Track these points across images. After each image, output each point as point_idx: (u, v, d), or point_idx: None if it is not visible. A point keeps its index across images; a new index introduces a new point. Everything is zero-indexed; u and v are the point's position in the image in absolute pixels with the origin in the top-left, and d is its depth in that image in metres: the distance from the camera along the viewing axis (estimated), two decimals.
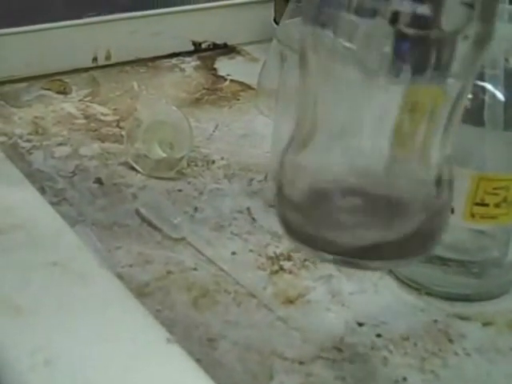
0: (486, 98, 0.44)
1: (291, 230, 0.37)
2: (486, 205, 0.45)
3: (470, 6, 0.34)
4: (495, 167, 0.45)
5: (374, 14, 0.32)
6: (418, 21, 0.32)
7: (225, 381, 0.41)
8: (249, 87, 0.77)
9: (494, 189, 0.45)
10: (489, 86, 0.44)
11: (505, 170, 0.45)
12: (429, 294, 0.49)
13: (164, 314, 0.46)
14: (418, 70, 0.33)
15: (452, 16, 0.33)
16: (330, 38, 0.33)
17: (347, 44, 0.33)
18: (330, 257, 0.36)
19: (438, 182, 0.36)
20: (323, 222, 0.36)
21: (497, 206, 0.45)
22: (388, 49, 0.33)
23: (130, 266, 0.50)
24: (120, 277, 0.48)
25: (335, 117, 0.36)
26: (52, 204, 0.54)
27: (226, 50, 0.87)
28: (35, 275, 0.38)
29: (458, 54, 0.34)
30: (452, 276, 0.49)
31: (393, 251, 0.36)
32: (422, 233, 0.36)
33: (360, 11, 0.32)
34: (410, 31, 0.32)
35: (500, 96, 0.44)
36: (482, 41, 0.35)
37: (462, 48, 0.34)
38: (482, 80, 0.44)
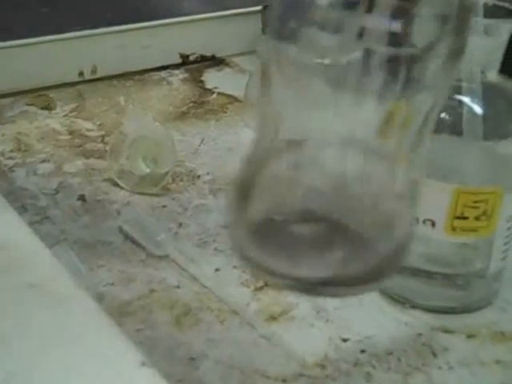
0: (464, 111, 0.44)
1: (246, 256, 0.37)
2: (466, 218, 0.45)
3: (443, 20, 0.33)
4: (474, 181, 0.44)
5: (339, 29, 0.31)
6: (388, 37, 0.32)
7: None
8: (236, 100, 0.77)
9: (474, 202, 0.44)
10: (466, 100, 0.44)
11: (484, 183, 0.45)
12: (413, 307, 0.48)
13: (145, 333, 0.45)
14: (388, 85, 0.33)
15: (423, 31, 0.33)
16: (293, 52, 0.32)
17: (312, 58, 0.32)
18: (288, 283, 0.35)
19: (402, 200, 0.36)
20: (281, 251, 0.36)
21: (477, 218, 0.45)
22: (356, 64, 0.32)
23: (112, 284, 0.49)
24: (101, 296, 0.48)
25: (297, 133, 0.35)
26: (34, 223, 0.54)
27: (214, 61, 0.87)
28: (10, 298, 0.38)
29: (429, 69, 0.34)
30: (436, 289, 0.48)
31: (355, 278, 0.36)
32: (386, 258, 0.36)
33: (325, 26, 0.32)
34: (380, 48, 0.32)
35: (478, 109, 0.44)
36: (455, 55, 0.34)
37: (434, 63, 0.34)
38: (460, 93, 0.44)
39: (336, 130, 0.34)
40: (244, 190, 0.37)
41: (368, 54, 0.32)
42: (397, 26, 0.32)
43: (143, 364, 0.35)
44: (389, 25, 0.32)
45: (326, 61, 0.32)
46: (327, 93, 0.34)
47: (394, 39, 0.32)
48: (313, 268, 0.35)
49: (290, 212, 0.36)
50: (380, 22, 0.32)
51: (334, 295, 0.38)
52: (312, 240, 0.36)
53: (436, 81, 0.34)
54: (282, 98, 0.34)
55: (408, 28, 0.32)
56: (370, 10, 0.31)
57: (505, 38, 0.44)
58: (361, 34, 0.32)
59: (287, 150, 0.36)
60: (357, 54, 0.32)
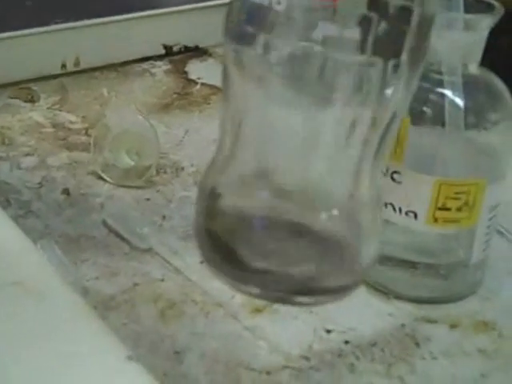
0: (446, 104, 0.44)
1: (213, 261, 0.37)
2: (448, 209, 0.45)
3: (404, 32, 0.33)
4: (457, 172, 0.45)
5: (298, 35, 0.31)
6: (348, 44, 0.32)
7: None
8: (220, 90, 0.76)
9: (456, 193, 0.45)
10: (448, 93, 0.44)
11: (466, 174, 0.45)
12: (397, 298, 0.49)
13: (130, 327, 0.45)
14: (348, 92, 0.33)
15: (384, 40, 0.33)
16: (253, 56, 0.32)
17: (271, 62, 0.32)
18: (256, 291, 0.35)
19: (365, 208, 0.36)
20: (248, 255, 0.36)
21: (459, 209, 0.45)
22: (316, 72, 0.32)
23: (97, 278, 0.49)
24: (86, 290, 0.48)
25: (258, 135, 0.35)
26: (18, 217, 0.54)
27: (198, 52, 0.87)
28: None
29: (389, 79, 0.34)
30: (420, 279, 0.49)
31: (323, 287, 0.36)
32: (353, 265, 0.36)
33: (284, 33, 0.32)
34: (340, 55, 0.32)
35: (459, 101, 0.44)
36: (416, 62, 0.34)
37: (394, 72, 0.34)
38: (441, 87, 0.44)
39: (298, 130, 0.35)
40: (209, 194, 0.37)
41: (327, 60, 0.32)
42: (355, 34, 0.32)
43: (129, 358, 0.35)
44: (348, 32, 0.32)
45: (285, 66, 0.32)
46: (289, 93, 0.34)
47: (354, 46, 0.32)
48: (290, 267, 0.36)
49: (258, 212, 0.36)
50: (339, 30, 0.32)
51: (300, 304, 0.39)
52: (282, 247, 0.36)
53: (396, 91, 0.34)
54: (242, 98, 0.34)
55: (369, 36, 0.32)
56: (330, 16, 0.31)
57: (485, 32, 0.45)
58: (322, 43, 0.32)
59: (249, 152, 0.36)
60: (316, 60, 0.32)
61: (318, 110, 0.34)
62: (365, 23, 0.31)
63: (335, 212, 0.37)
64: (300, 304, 0.39)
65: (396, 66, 0.33)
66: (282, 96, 0.34)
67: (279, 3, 0.32)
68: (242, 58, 0.33)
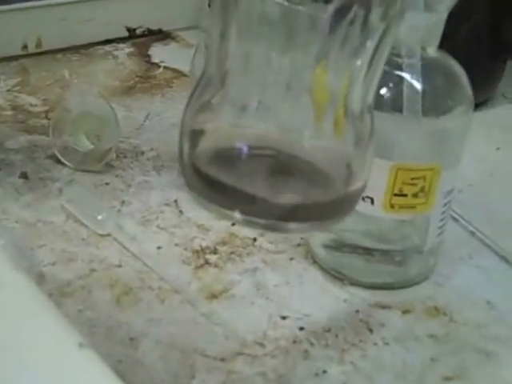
0: (404, 87, 0.44)
1: (198, 187, 0.36)
2: (405, 195, 0.45)
3: None
4: (414, 157, 0.45)
5: None
6: None
7: (146, 382, 0.41)
8: (182, 74, 0.77)
9: (412, 179, 0.45)
10: (406, 76, 0.45)
11: (422, 160, 0.45)
12: (352, 284, 0.49)
13: (86, 314, 0.45)
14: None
15: None
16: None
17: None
18: (239, 218, 0.35)
19: (358, 142, 0.36)
20: (236, 181, 0.35)
21: (415, 195, 0.46)
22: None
23: (53, 264, 0.49)
24: (42, 276, 0.48)
25: (244, 73, 0.35)
26: None
27: (161, 35, 0.86)
28: None
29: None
30: (375, 265, 0.49)
31: (311, 214, 0.36)
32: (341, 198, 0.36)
33: None
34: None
35: (417, 85, 0.44)
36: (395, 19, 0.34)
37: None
38: (400, 70, 0.44)
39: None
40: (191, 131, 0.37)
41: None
42: None
43: (81, 345, 0.35)
44: None
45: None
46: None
47: None
48: (271, 197, 0.35)
49: (243, 143, 0.36)
50: None
51: (288, 230, 0.38)
52: (269, 170, 0.36)
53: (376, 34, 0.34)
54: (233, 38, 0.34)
55: None
56: None
57: (444, 14, 0.45)
58: None
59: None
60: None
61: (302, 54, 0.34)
62: None
63: (321, 143, 0.37)
64: (288, 231, 0.38)
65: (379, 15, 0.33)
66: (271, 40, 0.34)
67: None
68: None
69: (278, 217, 0.35)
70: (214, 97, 0.36)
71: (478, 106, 0.71)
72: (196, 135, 0.38)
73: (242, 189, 0.35)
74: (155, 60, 0.80)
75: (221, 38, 0.35)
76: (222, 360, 0.43)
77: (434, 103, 0.46)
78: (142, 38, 0.85)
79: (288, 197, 0.35)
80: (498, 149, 0.68)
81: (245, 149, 0.36)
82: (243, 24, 0.34)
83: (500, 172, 0.64)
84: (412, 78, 0.45)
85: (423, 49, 0.45)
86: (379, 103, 0.44)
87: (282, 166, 0.36)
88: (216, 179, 0.36)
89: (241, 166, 0.36)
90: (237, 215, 0.35)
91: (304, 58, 0.34)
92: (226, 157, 0.37)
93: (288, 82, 0.35)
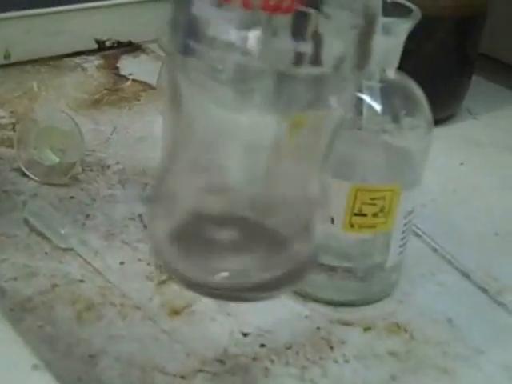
0: (364, 109, 0.45)
1: (165, 263, 0.37)
2: (365, 215, 0.46)
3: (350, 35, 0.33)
4: (372, 178, 0.45)
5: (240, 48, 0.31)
6: (298, 58, 0.32)
7: None
8: (150, 87, 0.77)
9: (372, 199, 0.45)
10: (366, 97, 0.45)
11: (381, 180, 0.46)
12: (315, 300, 0.49)
13: (46, 330, 0.45)
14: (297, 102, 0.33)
15: (330, 51, 0.33)
16: (198, 66, 0.32)
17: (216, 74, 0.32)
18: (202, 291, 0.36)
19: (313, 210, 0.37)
20: (195, 259, 0.36)
21: (375, 215, 0.46)
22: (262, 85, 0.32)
23: (15, 279, 0.49)
24: (3, 291, 0.47)
25: (207, 138, 0.35)
26: None
27: (131, 47, 0.87)
28: None
29: (337, 84, 0.34)
30: (337, 282, 0.49)
31: (267, 284, 0.36)
32: (299, 263, 0.37)
33: (227, 47, 0.32)
34: (291, 69, 0.32)
35: (377, 107, 0.45)
36: (362, 64, 0.35)
37: (342, 77, 0.34)
38: (359, 91, 0.45)
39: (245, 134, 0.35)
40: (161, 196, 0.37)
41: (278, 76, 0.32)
42: (307, 47, 0.32)
43: (35, 367, 0.35)
44: (300, 46, 0.32)
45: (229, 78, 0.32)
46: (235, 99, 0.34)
47: (301, 58, 0.32)
48: (231, 274, 0.36)
49: (206, 215, 0.37)
50: (290, 44, 0.32)
51: (251, 299, 0.39)
52: (230, 244, 0.36)
53: (343, 92, 0.35)
54: (191, 106, 0.34)
55: (318, 48, 0.32)
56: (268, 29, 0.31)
57: (403, 38, 0.45)
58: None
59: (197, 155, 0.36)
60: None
61: (265, 115, 0.34)
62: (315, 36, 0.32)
63: (284, 211, 0.37)
64: (246, 300, 0.39)
65: (345, 73, 0.34)
66: (229, 101, 0.34)
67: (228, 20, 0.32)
68: (188, 69, 0.33)
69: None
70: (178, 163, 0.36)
71: (442, 121, 0.72)
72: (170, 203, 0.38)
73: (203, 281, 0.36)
74: (124, 72, 0.80)
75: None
76: (182, 377, 0.43)
77: (394, 124, 0.46)
78: (112, 50, 0.85)
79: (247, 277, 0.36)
80: (461, 164, 0.69)
81: (206, 225, 0.37)
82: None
83: (463, 187, 0.65)
84: (371, 99, 0.45)
85: (382, 70, 0.45)
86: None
87: (243, 238, 0.37)
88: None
89: (201, 243, 0.37)
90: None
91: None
92: (188, 230, 0.37)
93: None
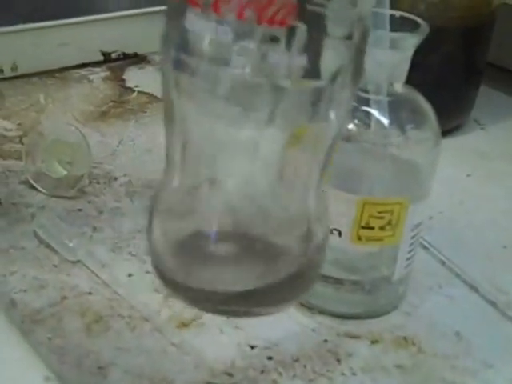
0: (372, 123, 0.45)
1: (165, 279, 0.38)
2: (372, 228, 0.46)
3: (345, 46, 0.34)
4: (380, 192, 0.46)
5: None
6: (293, 71, 0.32)
7: None
8: (156, 99, 0.77)
9: (379, 212, 0.46)
10: (373, 111, 0.45)
11: (389, 194, 0.46)
12: (322, 313, 0.49)
13: (55, 342, 0.45)
14: (294, 115, 0.34)
15: (326, 64, 0.33)
16: (191, 80, 0.33)
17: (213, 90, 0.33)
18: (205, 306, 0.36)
19: (312, 221, 0.37)
20: (195, 271, 0.36)
21: (382, 228, 0.46)
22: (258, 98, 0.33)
23: (25, 291, 0.49)
24: (13, 303, 0.48)
25: (204, 152, 0.36)
26: None
27: (136, 59, 0.87)
28: None
29: (334, 96, 0.34)
30: (344, 295, 0.49)
31: (270, 296, 0.37)
32: (299, 274, 0.37)
33: (221, 61, 0.32)
34: (286, 83, 0.32)
35: (384, 121, 0.45)
36: (357, 78, 0.35)
37: (338, 90, 0.34)
38: (367, 105, 0.45)
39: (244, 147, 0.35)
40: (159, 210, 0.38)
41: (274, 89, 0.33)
42: (303, 61, 0.32)
43: (47, 379, 0.35)
44: (296, 60, 0.32)
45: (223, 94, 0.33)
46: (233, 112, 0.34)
47: (296, 72, 0.32)
48: (231, 283, 0.36)
49: (205, 230, 0.37)
50: (287, 58, 0.32)
51: (251, 314, 0.39)
52: (229, 257, 0.37)
53: (340, 105, 0.35)
54: (186, 121, 0.35)
55: (315, 62, 0.33)
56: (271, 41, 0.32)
57: (410, 51, 0.46)
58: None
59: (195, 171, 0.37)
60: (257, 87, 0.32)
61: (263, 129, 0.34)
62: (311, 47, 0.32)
63: (284, 225, 0.38)
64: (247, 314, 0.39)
65: (341, 85, 0.34)
66: (225, 115, 0.34)
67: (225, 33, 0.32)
68: (181, 83, 0.34)
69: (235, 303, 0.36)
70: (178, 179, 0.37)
71: (450, 132, 0.72)
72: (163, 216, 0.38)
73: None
74: (130, 84, 0.81)
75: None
76: None
77: (401, 138, 0.46)
78: (118, 62, 0.86)
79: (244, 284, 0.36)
80: (468, 175, 0.69)
81: (204, 238, 0.37)
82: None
83: (470, 199, 0.65)
84: (379, 113, 0.45)
85: (390, 84, 0.46)
86: (347, 137, 0.45)
87: (240, 250, 0.37)
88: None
89: (199, 256, 0.37)
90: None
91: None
92: (187, 244, 0.38)
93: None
